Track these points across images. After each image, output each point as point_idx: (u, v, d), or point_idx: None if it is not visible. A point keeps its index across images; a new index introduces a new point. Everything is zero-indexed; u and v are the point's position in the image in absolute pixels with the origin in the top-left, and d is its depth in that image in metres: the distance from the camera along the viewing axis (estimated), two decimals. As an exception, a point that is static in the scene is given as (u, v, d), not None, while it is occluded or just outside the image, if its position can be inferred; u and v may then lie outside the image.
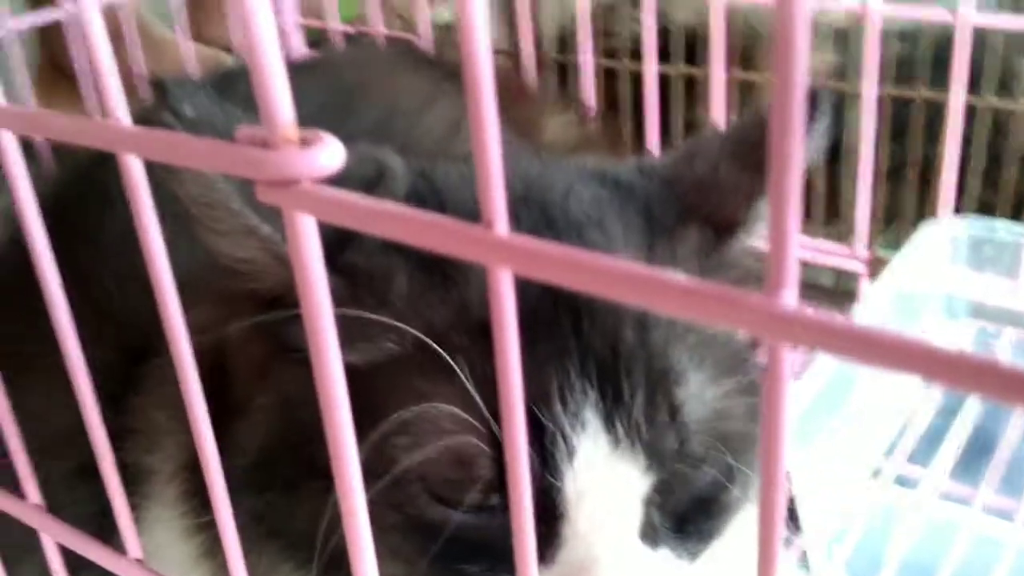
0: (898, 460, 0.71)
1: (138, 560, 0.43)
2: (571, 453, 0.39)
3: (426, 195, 0.44)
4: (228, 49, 1.27)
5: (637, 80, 0.99)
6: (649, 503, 0.42)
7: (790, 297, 0.20)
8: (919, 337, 0.19)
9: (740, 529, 0.46)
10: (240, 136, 0.25)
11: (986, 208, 0.94)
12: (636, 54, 0.99)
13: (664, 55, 0.97)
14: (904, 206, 1.00)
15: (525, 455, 0.26)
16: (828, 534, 0.63)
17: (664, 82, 0.97)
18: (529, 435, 0.38)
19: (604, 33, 1.08)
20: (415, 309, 0.41)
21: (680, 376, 0.41)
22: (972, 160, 0.93)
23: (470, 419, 0.39)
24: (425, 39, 0.97)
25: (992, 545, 0.59)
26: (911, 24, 0.97)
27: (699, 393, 0.41)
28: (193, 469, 0.43)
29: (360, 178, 0.43)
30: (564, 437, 0.39)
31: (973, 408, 0.75)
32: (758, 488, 0.24)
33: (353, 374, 0.27)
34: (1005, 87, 0.94)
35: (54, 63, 1.31)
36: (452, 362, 0.39)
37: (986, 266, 0.79)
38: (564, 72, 1.09)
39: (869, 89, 0.74)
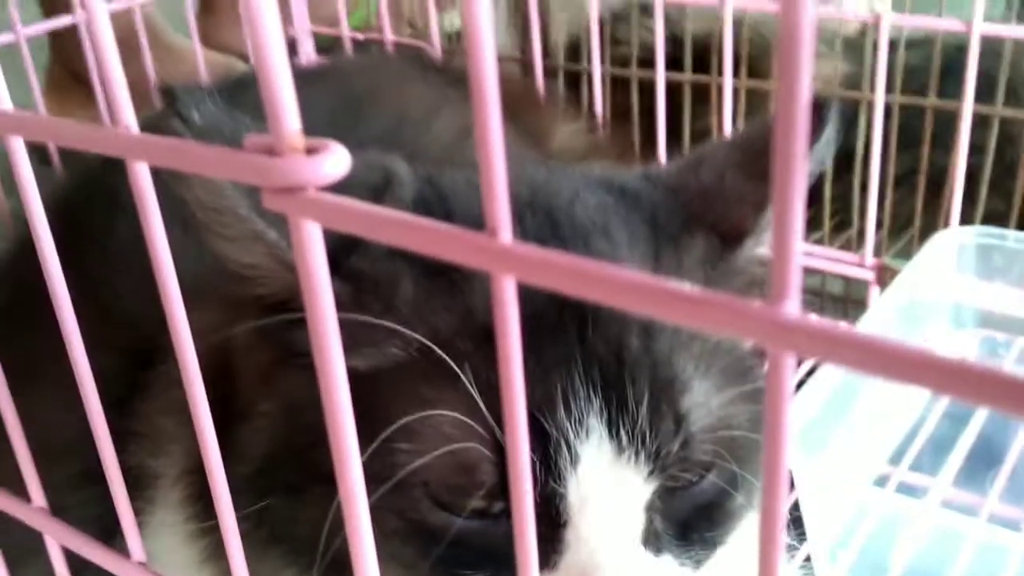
0: (903, 468, 0.71)
1: (141, 563, 0.43)
2: (574, 460, 0.39)
3: (433, 202, 0.44)
4: (244, 57, 1.27)
5: (647, 88, 0.99)
6: (652, 510, 0.42)
7: (793, 306, 0.20)
8: (922, 346, 0.19)
9: (744, 537, 0.46)
10: (247, 144, 0.26)
11: (995, 217, 0.93)
12: (646, 62, 0.99)
13: (674, 63, 0.96)
14: (914, 215, 0.99)
15: (527, 461, 0.26)
16: (832, 540, 0.63)
17: (674, 90, 0.97)
18: (532, 441, 0.38)
19: (614, 41, 1.08)
20: (420, 315, 0.41)
21: (685, 384, 0.41)
22: (982, 169, 0.93)
23: (474, 425, 0.39)
24: (434, 46, 0.97)
25: (998, 553, 0.59)
26: (921, 33, 0.97)
27: (704, 401, 0.41)
28: (197, 473, 0.43)
29: (367, 185, 0.43)
30: (567, 444, 0.39)
31: (979, 416, 0.74)
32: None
33: (357, 379, 0.27)
34: (1015, 96, 0.93)
35: (68, 68, 1.31)
36: (456, 368, 0.39)
37: (995, 275, 0.78)
38: (574, 80, 1.09)
39: (878, 98, 0.74)
